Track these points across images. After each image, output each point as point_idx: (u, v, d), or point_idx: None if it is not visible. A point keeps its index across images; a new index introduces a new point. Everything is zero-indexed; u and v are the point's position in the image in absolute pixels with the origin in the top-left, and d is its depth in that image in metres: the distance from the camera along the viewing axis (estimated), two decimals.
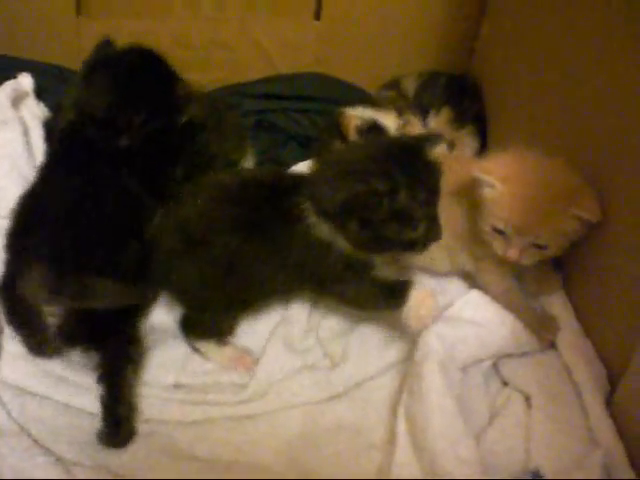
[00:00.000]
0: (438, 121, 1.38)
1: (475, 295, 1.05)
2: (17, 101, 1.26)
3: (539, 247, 0.98)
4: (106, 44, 1.14)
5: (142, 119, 1.09)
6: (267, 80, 1.43)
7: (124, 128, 1.08)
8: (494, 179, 0.97)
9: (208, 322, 1.09)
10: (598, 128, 1.01)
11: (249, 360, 1.07)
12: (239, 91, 1.41)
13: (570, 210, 0.94)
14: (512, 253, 0.98)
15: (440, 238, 0.97)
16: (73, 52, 1.35)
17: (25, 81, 1.29)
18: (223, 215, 1.02)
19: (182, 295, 1.09)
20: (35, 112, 1.25)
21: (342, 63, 1.44)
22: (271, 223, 1.00)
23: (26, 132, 1.21)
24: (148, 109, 1.10)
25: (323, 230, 0.96)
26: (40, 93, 1.32)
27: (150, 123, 1.10)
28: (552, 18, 1.13)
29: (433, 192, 0.95)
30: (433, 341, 0.96)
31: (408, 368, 1.00)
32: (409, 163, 0.94)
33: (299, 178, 1.03)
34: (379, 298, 1.00)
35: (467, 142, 1.36)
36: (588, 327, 1.03)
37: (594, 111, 1.01)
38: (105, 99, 1.08)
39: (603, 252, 0.99)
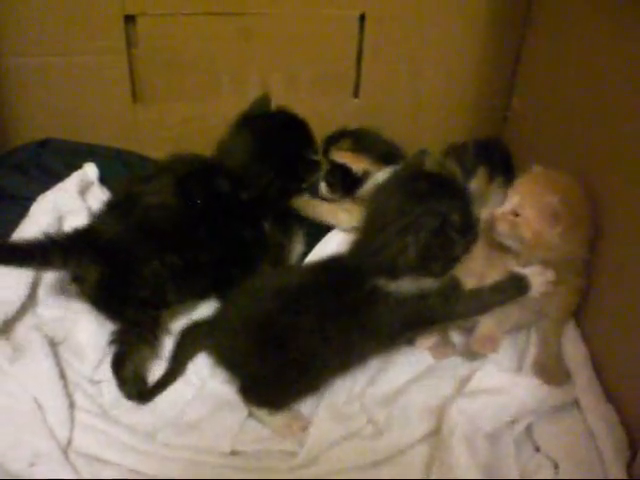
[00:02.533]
0: (478, 181, 1.44)
1: (489, 368, 1.13)
2: (84, 190, 1.36)
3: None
4: (264, 99, 1.28)
5: (269, 179, 1.21)
6: None
7: (251, 184, 1.20)
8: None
9: (273, 396, 1.12)
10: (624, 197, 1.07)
11: (298, 427, 1.12)
12: None
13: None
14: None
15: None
16: (131, 136, 1.47)
17: (90, 171, 1.39)
18: (301, 317, 1.05)
19: (248, 381, 1.12)
20: (101, 198, 1.34)
21: None
22: (353, 310, 1.05)
23: None
24: (277, 171, 1.22)
25: (405, 285, 1.03)
26: (102, 176, 1.42)
27: (275, 184, 1.22)
28: (579, 91, 1.20)
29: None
30: (456, 416, 1.04)
31: (437, 440, 1.06)
32: (436, 188, 1.02)
33: (357, 257, 1.07)
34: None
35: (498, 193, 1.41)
36: (610, 389, 1.09)
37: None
38: (242, 155, 1.21)
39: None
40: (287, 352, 1.06)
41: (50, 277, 1.23)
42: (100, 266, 1.09)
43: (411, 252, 0.99)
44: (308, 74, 1.45)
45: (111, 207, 1.17)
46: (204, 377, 1.19)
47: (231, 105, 1.43)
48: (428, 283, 1.05)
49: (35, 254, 1.06)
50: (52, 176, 1.39)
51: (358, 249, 1.07)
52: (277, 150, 1.23)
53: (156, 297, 1.14)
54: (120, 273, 1.10)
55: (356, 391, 1.18)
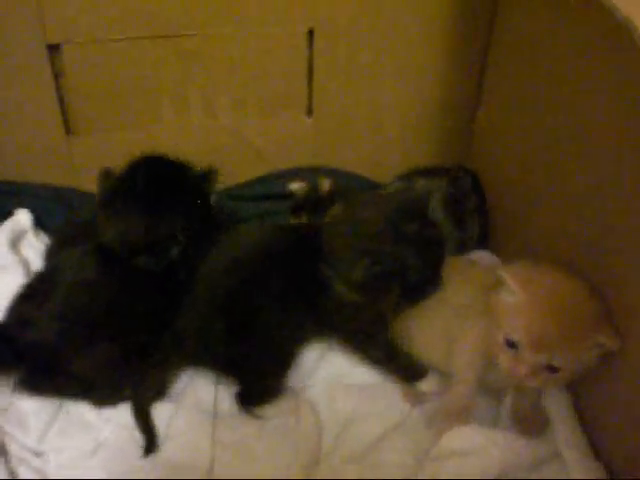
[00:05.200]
0: None
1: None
2: (16, 240, 1.25)
3: (551, 369, 0.93)
4: (107, 174, 1.12)
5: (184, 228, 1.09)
6: (264, 180, 1.41)
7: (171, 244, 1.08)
8: (517, 284, 0.94)
9: (270, 387, 1.10)
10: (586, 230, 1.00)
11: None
12: (238, 195, 1.40)
13: (593, 336, 0.91)
14: (521, 370, 0.92)
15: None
16: (67, 171, 1.35)
17: (23, 218, 1.29)
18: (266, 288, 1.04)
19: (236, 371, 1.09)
20: (35, 246, 1.25)
21: (340, 155, 1.42)
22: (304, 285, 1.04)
23: (28, 271, 1.21)
24: (185, 218, 1.10)
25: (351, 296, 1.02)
26: (37, 217, 1.31)
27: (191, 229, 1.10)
28: (547, 104, 1.11)
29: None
30: None
31: None
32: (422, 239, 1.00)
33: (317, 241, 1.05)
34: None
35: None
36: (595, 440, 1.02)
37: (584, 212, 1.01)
38: (139, 228, 1.06)
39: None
40: (259, 329, 1.04)
41: None
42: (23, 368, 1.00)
43: (358, 275, 0.98)
44: (256, 95, 1.33)
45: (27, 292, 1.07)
46: None
47: (174, 132, 1.33)
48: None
49: None
50: None
51: (328, 239, 1.04)
52: (168, 200, 1.10)
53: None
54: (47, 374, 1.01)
55: (324, 449, 1.09)
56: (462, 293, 1.07)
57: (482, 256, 1.32)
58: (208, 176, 1.14)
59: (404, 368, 1.11)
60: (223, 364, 1.09)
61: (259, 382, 1.10)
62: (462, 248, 1.31)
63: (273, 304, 1.04)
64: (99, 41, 1.22)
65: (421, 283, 1.01)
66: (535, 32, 1.13)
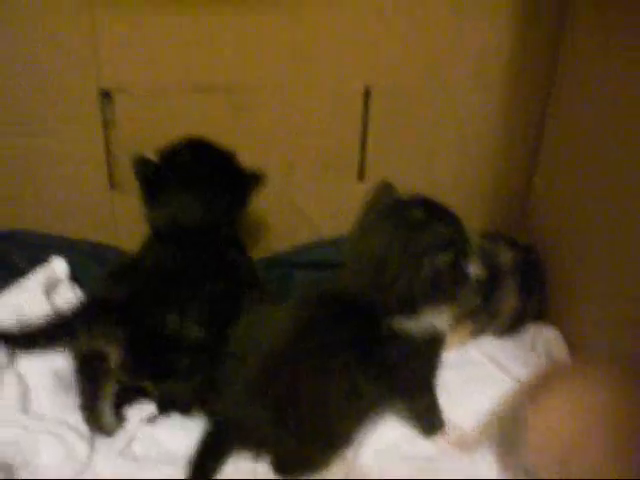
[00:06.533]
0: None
1: None
2: (50, 289, 1.20)
3: None
4: (144, 161, 1.11)
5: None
6: (313, 247, 1.36)
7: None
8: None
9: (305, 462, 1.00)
10: None
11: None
12: (287, 261, 1.35)
13: None
14: None
15: None
16: (107, 228, 1.31)
17: (58, 266, 1.24)
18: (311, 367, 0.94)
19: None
20: (68, 297, 1.19)
21: None
22: (366, 355, 0.94)
23: None
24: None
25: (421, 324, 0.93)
26: (73, 272, 1.26)
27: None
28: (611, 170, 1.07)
29: None
30: None
31: None
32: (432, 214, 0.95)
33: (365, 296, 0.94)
34: None
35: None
36: None
37: None
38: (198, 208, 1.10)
39: None
40: (302, 409, 0.94)
41: (6, 392, 1.05)
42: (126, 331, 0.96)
43: (426, 278, 0.89)
44: (307, 155, 1.30)
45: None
46: None
47: None
48: (442, 321, 0.96)
49: (58, 333, 0.96)
50: (16, 273, 1.23)
51: (361, 287, 0.94)
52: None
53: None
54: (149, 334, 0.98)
55: None
56: None
57: (542, 329, 1.24)
58: (251, 179, 1.14)
59: (436, 421, 1.06)
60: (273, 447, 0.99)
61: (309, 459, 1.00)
62: (523, 319, 1.24)
63: (327, 377, 0.94)
64: (152, 91, 1.21)
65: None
66: (593, 104, 1.11)
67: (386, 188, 1.01)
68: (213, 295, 1.04)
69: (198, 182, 1.11)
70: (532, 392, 0.97)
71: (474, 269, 0.94)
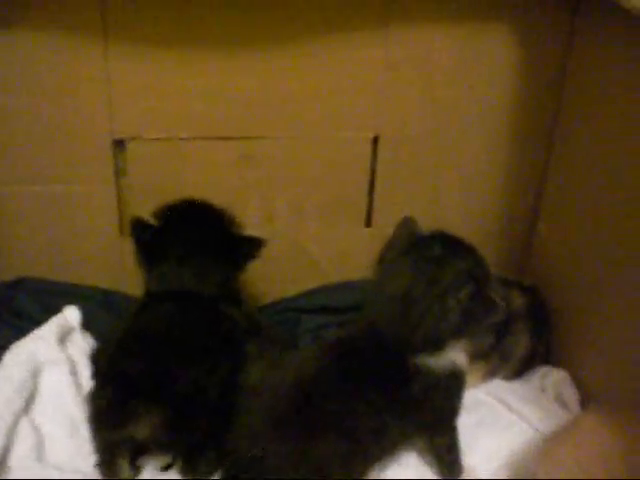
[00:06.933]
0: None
1: None
2: (64, 337, 1.19)
3: None
4: (140, 224, 1.12)
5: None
6: (321, 292, 1.37)
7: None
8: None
9: None
10: None
11: None
12: (295, 306, 1.35)
13: None
14: None
15: None
16: (117, 275, 1.31)
17: (71, 314, 1.23)
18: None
19: None
20: (81, 345, 1.19)
21: None
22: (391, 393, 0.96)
23: (74, 369, 1.14)
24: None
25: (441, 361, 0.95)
26: (84, 319, 1.25)
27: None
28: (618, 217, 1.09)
29: None
30: None
31: None
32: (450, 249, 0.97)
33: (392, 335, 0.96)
34: None
35: None
36: None
37: None
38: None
39: None
40: (325, 446, 0.93)
41: (22, 441, 1.03)
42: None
43: (453, 315, 0.91)
44: (315, 201, 1.32)
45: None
46: None
47: None
48: (461, 358, 0.99)
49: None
50: (27, 321, 1.22)
51: (387, 327, 0.95)
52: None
53: None
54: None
55: None
56: None
57: (550, 371, 1.25)
58: (251, 244, 1.14)
59: (455, 463, 1.05)
60: None
61: None
62: (533, 363, 1.25)
63: (354, 416, 0.95)
64: (163, 139, 1.23)
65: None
66: (597, 149, 1.14)
67: (407, 222, 1.03)
68: (214, 350, 1.03)
69: (194, 249, 1.11)
70: (544, 446, 0.98)
71: (496, 296, 0.95)
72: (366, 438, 0.95)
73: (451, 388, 0.99)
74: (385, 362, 0.96)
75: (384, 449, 1.01)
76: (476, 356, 1.16)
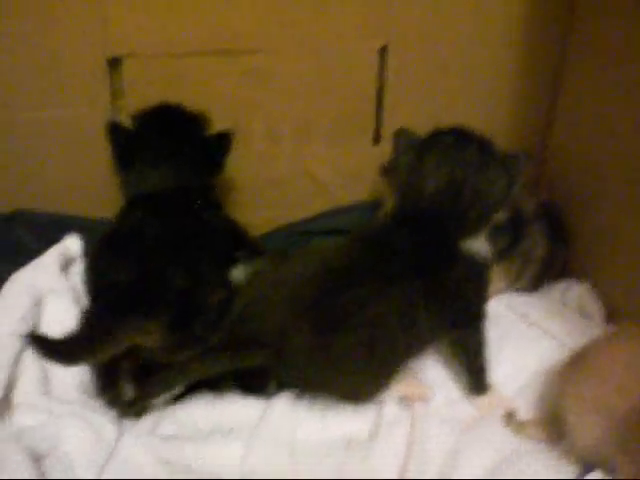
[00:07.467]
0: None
1: None
2: (65, 266, 1.15)
3: None
4: (115, 127, 1.12)
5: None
6: (330, 215, 1.32)
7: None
8: None
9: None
10: None
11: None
12: (303, 229, 1.31)
13: None
14: None
15: None
16: (115, 203, 1.22)
17: (73, 244, 1.18)
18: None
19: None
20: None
21: None
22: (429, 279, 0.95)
23: (77, 297, 1.10)
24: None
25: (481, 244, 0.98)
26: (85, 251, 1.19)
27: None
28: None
29: None
30: None
31: None
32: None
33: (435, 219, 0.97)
34: None
35: None
36: None
37: None
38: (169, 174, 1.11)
39: None
40: (351, 335, 0.92)
41: (26, 374, 1.00)
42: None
43: (499, 198, 0.96)
44: (321, 119, 1.26)
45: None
46: None
47: (232, 158, 1.23)
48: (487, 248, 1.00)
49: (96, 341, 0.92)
50: (25, 253, 1.17)
51: (434, 212, 0.96)
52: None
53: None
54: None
55: None
56: None
57: (571, 285, 1.21)
58: (222, 140, 1.13)
59: (481, 373, 1.03)
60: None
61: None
62: (553, 267, 1.23)
63: (386, 302, 0.93)
64: (160, 56, 1.16)
65: None
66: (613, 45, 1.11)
67: (404, 133, 1.02)
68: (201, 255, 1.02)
69: (168, 148, 1.11)
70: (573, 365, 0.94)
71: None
72: (394, 330, 0.93)
73: (484, 276, 1.00)
74: (428, 249, 0.96)
75: (410, 345, 0.98)
76: (500, 257, 1.13)
